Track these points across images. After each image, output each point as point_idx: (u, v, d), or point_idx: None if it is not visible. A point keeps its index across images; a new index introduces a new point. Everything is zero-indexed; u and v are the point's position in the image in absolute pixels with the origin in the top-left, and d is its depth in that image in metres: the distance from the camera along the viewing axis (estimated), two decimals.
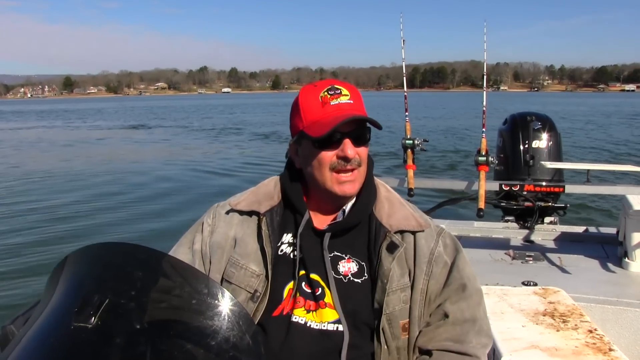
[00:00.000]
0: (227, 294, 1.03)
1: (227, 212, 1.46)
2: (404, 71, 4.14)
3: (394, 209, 1.42)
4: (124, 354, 0.91)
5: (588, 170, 3.73)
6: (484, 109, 3.82)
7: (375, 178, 1.48)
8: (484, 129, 3.81)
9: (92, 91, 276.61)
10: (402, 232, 1.39)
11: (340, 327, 1.32)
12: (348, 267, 1.37)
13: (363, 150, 1.36)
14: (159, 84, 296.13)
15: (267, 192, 1.46)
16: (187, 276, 1.05)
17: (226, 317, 1.00)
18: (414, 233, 1.39)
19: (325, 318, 1.34)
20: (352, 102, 1.35)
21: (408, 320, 1.35)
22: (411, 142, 3.77)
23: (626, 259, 3.15)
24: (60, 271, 1.06)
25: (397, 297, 1.33)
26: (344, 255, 1.38)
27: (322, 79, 1.55)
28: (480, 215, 3.46)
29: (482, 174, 3.57)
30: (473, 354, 1.34)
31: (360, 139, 1.35)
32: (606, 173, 8.77)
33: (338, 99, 1.33)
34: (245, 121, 40.77)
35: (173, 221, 8.55)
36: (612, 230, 3.71)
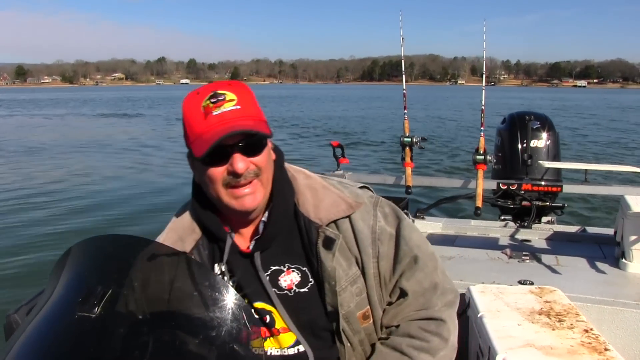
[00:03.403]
0: (230, 287, 1.03)
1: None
2: (403, 67, 4.11)
3: (318, 197, 1.30)
4: (127, 344, 0.92)
5: (586, 170, 3.73)
6: (483, 107, 3.81)
7: (290, 167, 1.36)
8: (482, 128, 3.80)
9: (47, 81, 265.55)
10: (335, 221, 1.28)
11: (302, 348, 1.26)
12: (290, 279, 1.27)
13: (260, 159, 1.21)
14: (116, 74, 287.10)
15: (185, 224, 1.33)
16: (189, 269, 1.05)
17: (227, 310, 1.00)
18: (348, 217, 1.28)
19: (284, 344, 1.26)
20: (238, 107, 1.18)
21: (368, 307, 1.29)
22: (409, 140, 3.75)
23: (623, 260, 3.15)
24: (64, 262, 1.06)
25: (349, 294, 1.26)
26: (282, 268, 1.28)
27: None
28: (477, 214, 3.44)
29: (480, 173, 3.56)
30: (438, 317, 1.28)
31: (252, 149, 1.20)
32: (604, 173, 8.82)
33: (221, 107, 1.17)
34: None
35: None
36: (610, 231, 3.71)
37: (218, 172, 1.20)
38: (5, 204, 9.93)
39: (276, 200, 1.28)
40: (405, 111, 3.92)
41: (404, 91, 4.05)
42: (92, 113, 40.06)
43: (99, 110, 43.46)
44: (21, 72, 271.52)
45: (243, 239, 1.31)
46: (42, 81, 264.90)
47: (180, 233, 1.32)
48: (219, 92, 1.19)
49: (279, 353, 1.26)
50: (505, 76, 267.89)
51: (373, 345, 1.32)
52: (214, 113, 1.17)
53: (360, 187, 1.40)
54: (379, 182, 4.08)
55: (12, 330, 1.26)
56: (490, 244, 3.75)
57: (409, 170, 3.73)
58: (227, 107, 1.18)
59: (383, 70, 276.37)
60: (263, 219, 1.30)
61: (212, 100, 1.18)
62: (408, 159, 3.76)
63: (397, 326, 1.29)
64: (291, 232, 1.29)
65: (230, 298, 1.02)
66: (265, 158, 1.23)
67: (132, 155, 17.24)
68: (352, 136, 21.57)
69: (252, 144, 1.20)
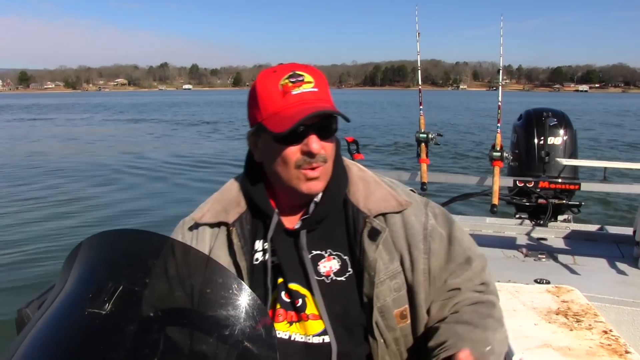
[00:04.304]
0: (243, 285, 1.02)
1: (194, 228, 1.35)
2: (419, 65, 4.08)
3: (370, 189, 1.31)
4: (137, 341, 0.91)
5: (605, 167, 3.69)
6: (500, 104, 3.78)
7: (345, 158, 1.37)
8: (499, 124, 3.76)
9: (50, 86, 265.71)
10: (383, 214, 1.27)
11: (327, 339, 1.23)
12: (329, 266, 1.27)
13: (329, 146, 1.23)
14: (119, 80, 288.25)
15: (232, 197, 1.34)
16: (202, 265, 1.04)
17: (240, 308, 0.99)
18: (398, 212, 1.28)
19: (310, 331, 1.24)
20: (316, 90, 1.21)
21: (406, 306, 1.26)
22: (425, 136, 3.73)
23: None
24: (75, 257, 1.05)
25: (386, 287, 1.24)
26: (323, 253, 1.27)
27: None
28: (494, 211, 3.41)
29: (497, 170, 3.52)
30: (491, 302, 1.29)
31: (326, 132, 1.22)
32: (624, 171, 8.70)
33: (300, 88, 1.19)
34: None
35: (187, 210, 8.30)
36: (629, 230, 3.66)
37: (292, 152, 1.20)
38: (18, 200, 10.08)
39: (331, 183, 1.29)
40: (421, 107, 3.89)
41: (420, 87, 4.03)
42: (107, 118, 40.35)
43: (112, 115, 44.10)
44: (24, 78, 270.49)
45: (290, 219, 1.31)
46: (45, 87, 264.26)
47: (225, 205, 1.33)
48: (298, 72, 1.21)
49: (302, 340, 1.24)
50: (507, 81, 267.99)
51: (409, 348, 1.28)
52: (293, 92, 1.19)
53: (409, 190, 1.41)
54: (394, 179, 4.05)
55: (24, 324, 1.26)
56: (505, 242, 3.71)
57: (424, 166, 3.71)
58: (306, 88, 1.20)
59: (385, 76, 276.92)
60: (315, 199, 1.29)
61: (292, 80, 1.19)
62: (424, 155, 3.73)
63: (452, 313, 1.27)
64: (337, 220, 1.29)
65: (245, 297, 1.00)
66: (333, 145, 1.26)
67: (142, 156, 17.47)
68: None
69: (327, 126, 1.22)
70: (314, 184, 1.23)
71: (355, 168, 1.36)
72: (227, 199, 1.34)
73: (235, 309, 0.98)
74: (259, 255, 1.30)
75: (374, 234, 1.24)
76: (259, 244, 1.30)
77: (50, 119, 40.46)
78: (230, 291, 1.00)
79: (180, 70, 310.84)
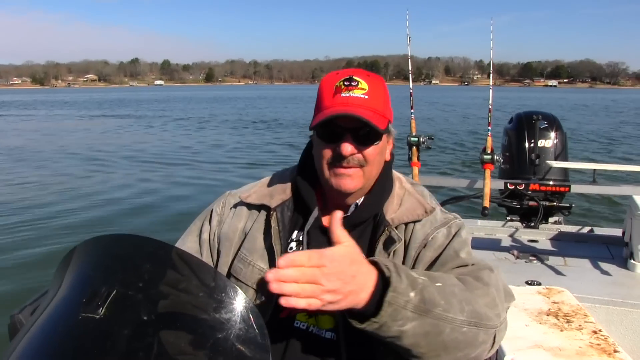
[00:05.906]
0: (236, 288, 1.03)
1: (237, 204, 1.41)
2: (410, 68, 4.07)
3: (401, 201, 1.36)
4: (131, 345, 0.91)
5: (594, 170, 3.74)
6: (490, 107, 3.78)
7: (394, 172, 1.42)
8: (489, 127, 3.77)
9: (16, 82, 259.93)
10: (406, 224, 1.31)
11: (336, 336, 1.26)
12: None
13: (369, 150, 1.27)
14: (89, 75, 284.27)
15: (279, 184, 1.40)
16: (195, 269, 1.04)
17: (233, 311, 0.99)
18: (415, 223, 1.31)
19: (325, 325, 1.28)
20: (365, 97, 1.25)
21: None
22: (416, 139, 3.72)
23: (632, 261, 3.14)
24: (69, 262, 1.06)
25: None
26: None
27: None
28: (485, 214, 3.42)
29: (488, 173, 3.53)
30: (485, 282, 1.19)
31: (364, 138, 1.25)
32: (613, 173, 8.87)
33: (350, 92, 1.25)
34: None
35: (179, 213, 8.36)
36: (618, 232, 3.71)
37: (326, 149, 1.27)
38: (9, 202, 9.92)
39: (373, 192, 1.34)
40: (412, 111, 3.89)
41: (411, 91, 4.02)
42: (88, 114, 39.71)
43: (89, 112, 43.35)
44: None
45: (328, 218, 1.33)
46: (11, 82, 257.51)
47: (271, 190, 1.40)
48: (355, 78, 1.27)
49: (317, 332, 1.28)
50: (479, 76, 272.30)
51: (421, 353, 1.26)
52: (342, 94, 1.25)
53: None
54: None
55: (17, 330, 1.25)
56: (497, 244, 3.73)
57: (415, 170, 3.70)
58: (356, 93, 1.25)
59: None
60: (358, 202, 1.34)
61: (346, 83, 1.26)
62: (415, 159, 3.73)
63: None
64: (368, 226, 1.34)
65: (238, 300, 1.01)
66: (375, 152, 1.28)
67: (134, 156, 17.28)
68: None
69: (365, 134, 1.25)
70: (345, 181, 1.27)
71: (397, 183, 1.40)
72: (275, 186, 1.41)
73: (228, 312, 0.99)
74: (293, 245, 1.33)
75: (389, 243, 1.28)
76: (295, 234, 1.34)
77: (26, 116, 39.59)
78: (223, 294, 1.00)
79: (151, 65, 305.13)
